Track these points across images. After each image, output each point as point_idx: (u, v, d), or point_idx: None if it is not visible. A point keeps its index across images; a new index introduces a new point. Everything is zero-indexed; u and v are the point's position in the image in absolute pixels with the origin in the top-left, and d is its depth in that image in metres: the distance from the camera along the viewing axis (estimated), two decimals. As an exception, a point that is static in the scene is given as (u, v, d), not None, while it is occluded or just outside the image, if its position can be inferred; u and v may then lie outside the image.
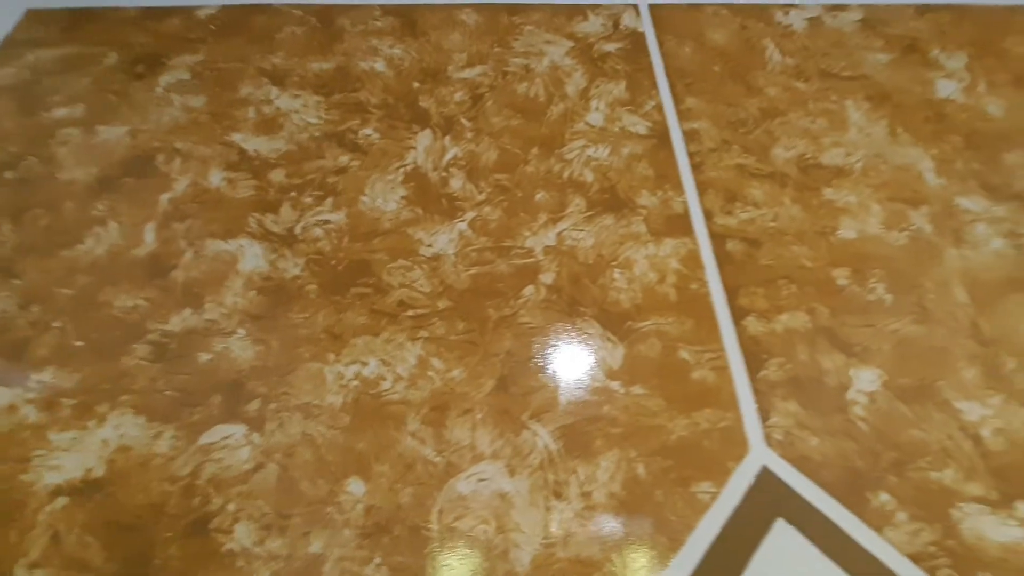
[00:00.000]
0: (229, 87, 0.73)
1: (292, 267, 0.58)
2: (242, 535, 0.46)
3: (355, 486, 0.47)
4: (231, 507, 0.47)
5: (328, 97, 0.70)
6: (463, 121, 0.68)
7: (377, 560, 0.44)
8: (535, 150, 0.67)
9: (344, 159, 0.65)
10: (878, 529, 0.47)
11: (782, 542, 0.46)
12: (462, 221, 0.61)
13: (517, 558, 0.44)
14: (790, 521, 0.47)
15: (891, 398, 0.53)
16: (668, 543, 0.46)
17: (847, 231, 0.63)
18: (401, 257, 0.58)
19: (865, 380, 0.54)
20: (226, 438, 0.50)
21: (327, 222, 0.60)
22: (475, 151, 0.66)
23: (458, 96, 0.70)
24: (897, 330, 0.57)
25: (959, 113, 0.75)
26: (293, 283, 0.57)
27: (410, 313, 0.55)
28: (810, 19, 0.84)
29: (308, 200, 0.62)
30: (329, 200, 0.62)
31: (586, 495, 0.47)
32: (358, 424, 0.50)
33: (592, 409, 0.51)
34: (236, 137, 0.68)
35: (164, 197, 0.64)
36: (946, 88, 0.77)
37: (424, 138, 0.67)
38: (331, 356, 0.53)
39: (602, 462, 0.49)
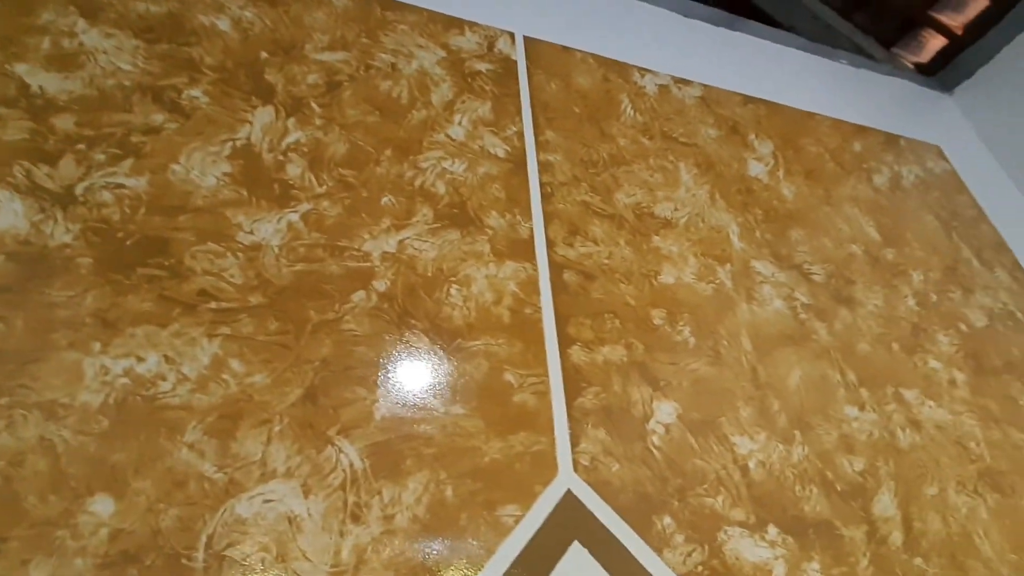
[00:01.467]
0: (23, 9, 0.59)
1: (62, 233, 0.47)
2: (-78, 569, 0.35)
3: (101, 505, 0.39)
4: (-88, 531, 0.36)
5: (151, 45, 0.60)
6: (313, 105, 0.63)
7: (114, 598, 0.36)
8: (389, 152, 0.64)
9: (158, 118, 0.55)
10: (659, 551, 0.50)
11: (575, 564, 0.47)
12: (294, 212, 0.55)
13: (296, 590, 0.39)
14: (584, 544, 0.48)
15: (683, 430, 0.58)
16: (467, 568, 0.44)
17: (667, 277, 0.70)
18: (212, 240, 0.51)
19: (664, 412, 0.59)
20: (-79, 440, 0.38)
21: (121, 186, 0.51)
22: (322, 140, 0.61)
23: (312, 78, 0.65)
24: (695, 369, 0.64)
25: (762, 191, 0.88)
26: (60, 252, 0.46)
27: (212, 305, 0.48)
28: (660, 86, 0.94)
29: (100, 157, 0.52)
30: (128, 162, 0.52)
31: (388, 518, 0.44)
32: (119, 430, 0.41)
33: (408, 427, 0.49)
34: (19, 68, 0.55)
35: None
36: (755, 168, 0.91)
37: (264, 114, 0.60)
38: (96, 346, 0.43)
39: (410, 483, 0.46)
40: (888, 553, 0.59)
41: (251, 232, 0.53)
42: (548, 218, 0.68)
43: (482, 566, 0.44)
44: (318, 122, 0.63)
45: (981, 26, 1.30)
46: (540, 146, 0.75)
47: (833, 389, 0.69)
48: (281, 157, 0.59)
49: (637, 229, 0.73)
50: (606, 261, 0.68)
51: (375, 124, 0.65)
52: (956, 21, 1.39)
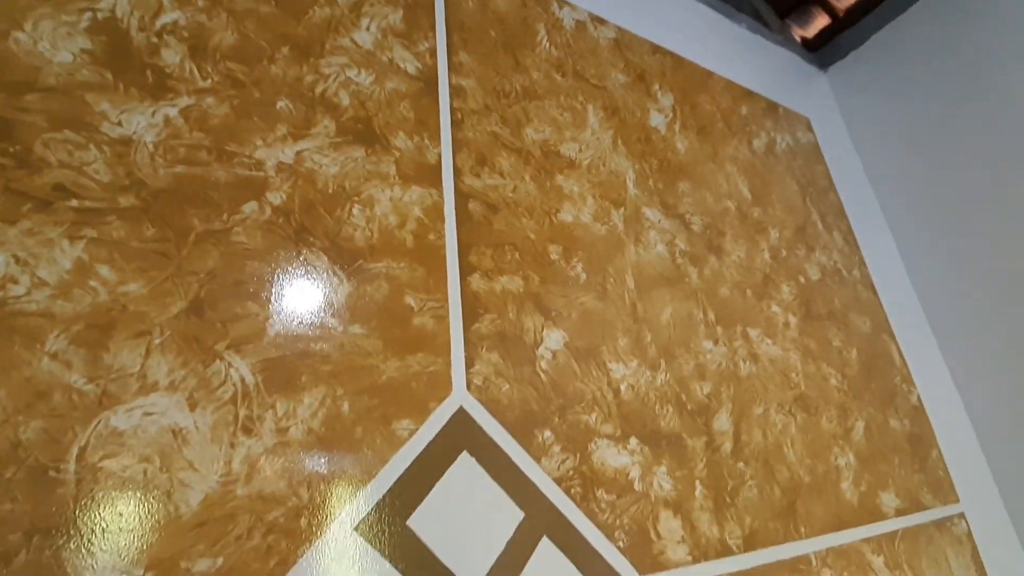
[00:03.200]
0: None
1: None
2: None
3: (-59, 418, 0.35)
4: None
5: None
6: (196, -17, 0.55)
7: (-34, 512, 0.34)
8: (286, 50, 0.58)
9: (-11, -33, 0.45)
10: (538, 459, 0.57)
11: (463, 471, 0.52)
12: (172, 105, 0.49)
13: (184, 498, 0.39)
14: (472, 453, 0.53)
15: (568, 356, 0.64)
16: (360, 476, 0.47)
17: (566, 215, 0.73)
18: (70, 128, 0.44)
19: (553, 340, 0.64)
20: None
21: (-60, 48, 0.41)
22: (206, 25, 0.54)
23: (194, -51, 0.56)
24: (584, 303, 0.69)
25: (660, 142, 0.94)
26: None
27: (73, 204, 0.43)
28: (578, 21, 0.93)
29: (-93, 5, 0.41)
30: (-51, 17, 0.42)
31: (282, 431, 0.45)
32: (-41, 337, 0.37)
33: (304, 344, 0.48)
34: None
35: None
36: (656, 119, 0.96)
37: (133, -16, 0.51)
38: (-80, 239, 0.37)
39: (306, 398, 0.47)
40: (719, 459, 0.71)
41: (119, 123, 0.47)
42: (457, 145, 0.67)
43: (375, 474, 0.47)
44: (201, 3, 0.55)
45: (860, 11, 1.44)
46: (453, 68, 0.72)
47: (696, 326, 0.79)
48: (155, 39, 0.51)
49: (543, 166, 0.75)
50: (511, 195, 0.69)
51: (270, 16, 0.59)
52: (841, 3, 1.52)
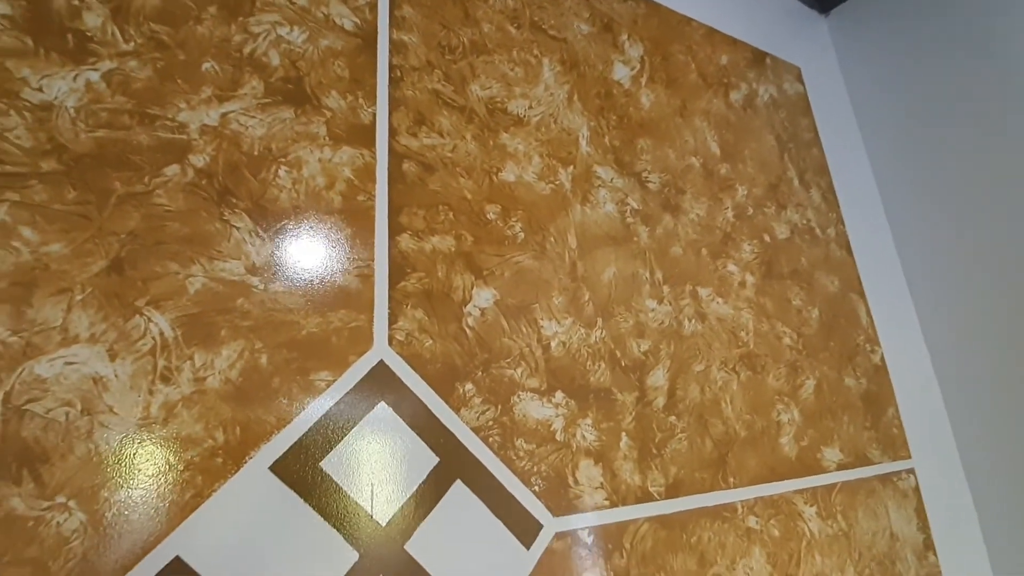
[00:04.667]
0: None
1: None
2: None
3: None
4: None
5: None
6: (113, -58, 0.55)
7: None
8: (213, 9, 0.59)
9: (-101, -67, 0.46)
10: (457, 410, 0.61)
11: (379, 419, 0.56)
12: (94, 70, 0.51)
13: (103, 437, 0.44)
14: (389, 403, 0.57)
15: (497, 314, 0.67)
16: (276, 422, 0.51)
17: (508, 174, 0.74)
18: (-12, 95, 0.47)
19: (482, 298, 0.66)
20: None
21: None
22: (126, -13, 0.55)
23: (111, -95, 0.56)
24: (519, 262, 0.71)
25: (622, 96, 0.92)
26: None
27: (-6, 168, 0.46)
28: (541, -33, 0.90)
29: None
30: None
31: (199, 380, 0.49)
32: None
33: (224, 301, 0.52)
34: None
35: None
36: (620, 72, 0.93)
37: (46, -55, 0.52)
38: None
39: (224, 351, 0.51)
40: (650, 413, 0.74)
41: (39, 89, 0.49)
42: (394, 104, 0.68)
43: (290, 420, 0.51)
44: (123, -37, 0.55)
45: (867, -53, 1.33)
46: (395, 22, 0.71)
47: (640, 285, 0.81)
48: (76, 2, 0.52)
49: (487, 125, 0.75)
50: (449, 154, 0.70)
51: (196, -26, 0.59)
52: (849, -63, 1.40)
